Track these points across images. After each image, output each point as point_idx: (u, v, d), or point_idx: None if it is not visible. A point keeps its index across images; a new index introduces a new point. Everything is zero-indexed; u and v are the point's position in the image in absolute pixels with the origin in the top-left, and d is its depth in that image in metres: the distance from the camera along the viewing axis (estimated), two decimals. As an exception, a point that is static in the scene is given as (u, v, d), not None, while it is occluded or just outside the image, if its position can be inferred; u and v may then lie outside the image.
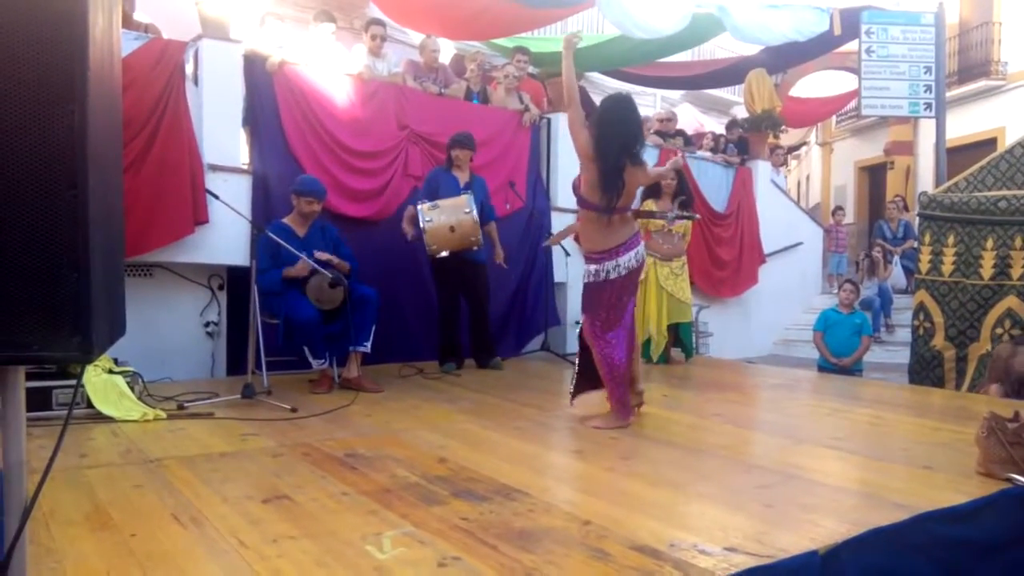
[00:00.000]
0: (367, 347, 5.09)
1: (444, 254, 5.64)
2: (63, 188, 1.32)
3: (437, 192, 5.80)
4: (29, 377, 1.58)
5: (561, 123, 7.69)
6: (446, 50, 9.49)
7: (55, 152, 1.31)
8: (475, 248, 5.71)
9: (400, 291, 6.31)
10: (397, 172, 6.44)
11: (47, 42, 1.30)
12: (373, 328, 5.09)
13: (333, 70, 6.25)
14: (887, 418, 4.57)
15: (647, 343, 6.59)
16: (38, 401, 3.89)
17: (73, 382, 4.02)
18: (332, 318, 4.97)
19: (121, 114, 1.77)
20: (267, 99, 5.88)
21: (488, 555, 2.25)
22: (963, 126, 13.52)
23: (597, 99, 8.91)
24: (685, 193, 6.72)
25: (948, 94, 11.12)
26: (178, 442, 3.64)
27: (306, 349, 4.91)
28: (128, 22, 5.73)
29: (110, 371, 4.29)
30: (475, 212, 5.55)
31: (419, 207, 5.61)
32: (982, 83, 14.16)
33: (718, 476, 3.19)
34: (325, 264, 4.92)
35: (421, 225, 5.51)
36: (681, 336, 6.84)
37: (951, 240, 6.18)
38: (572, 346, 7.16)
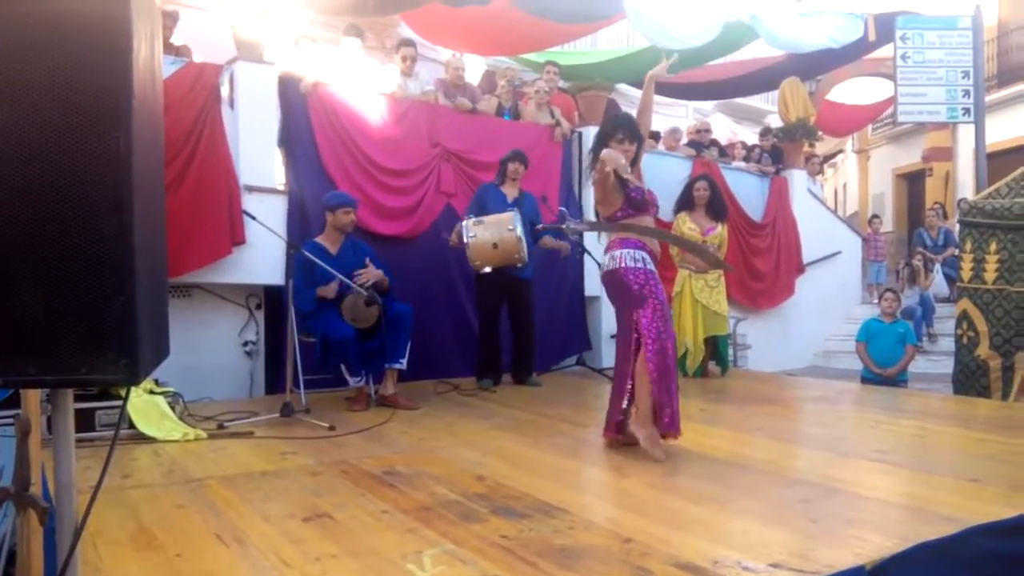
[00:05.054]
0: (403, 364, 5.11)
1: (487, 270, 5.65)
2: (109, 213, 1.35)
3: (484, 207, 5.83)
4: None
5: (592, 137, 7.69)
6: (477, 67, 9.57)
7: (101, 178, 1.35)
8: (519, 265, 5.71)
9: (434, 308, 6.34)
10: (430, 189, 6.48)
11: (93, 73, 1.34)
12: (408, 345, 5.12)
13: (366, 90, 6.32)
14: (932, 429, 4.48)
15: (683, 357, 6.54)
16: (82, 422, 3.93)
17: (115, 403, 4.08)
18: (368, 336, 5.00)
19: (163, 138, 1.81)
20: (301, 120, 5.96)
21: (529, 573, 2.24)
22: (1004, 130, 13.26)
23: (630, 112, 8.86)
24: (719, 203, 6.68)
25: (988, 98, 10.93)
26: (219, 461, 3.68)
27: (343, 367, 4.94)
28: (164, 46, 5.84)
29: (151, 392, 4.35)
30: (519, 230, 5.54)
31: (464, 222, 5.65)
32: (1023, 86, 13.89)
33: (761, 491, 3.14)
34: (362, 284, 4.97)
35: (465, 240, 5.54)
36: (718, 349, 6.78)
37: (993, 247, 6.05)
38: (607, 360, 7.13)
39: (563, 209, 6.76)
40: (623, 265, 3.80)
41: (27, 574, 1.99)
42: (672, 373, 3.81)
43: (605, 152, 3.70)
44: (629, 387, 3.82)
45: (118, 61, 1.36)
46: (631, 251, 3.82)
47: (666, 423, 3.74)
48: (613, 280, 3.88)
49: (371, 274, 5.06)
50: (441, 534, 2.57)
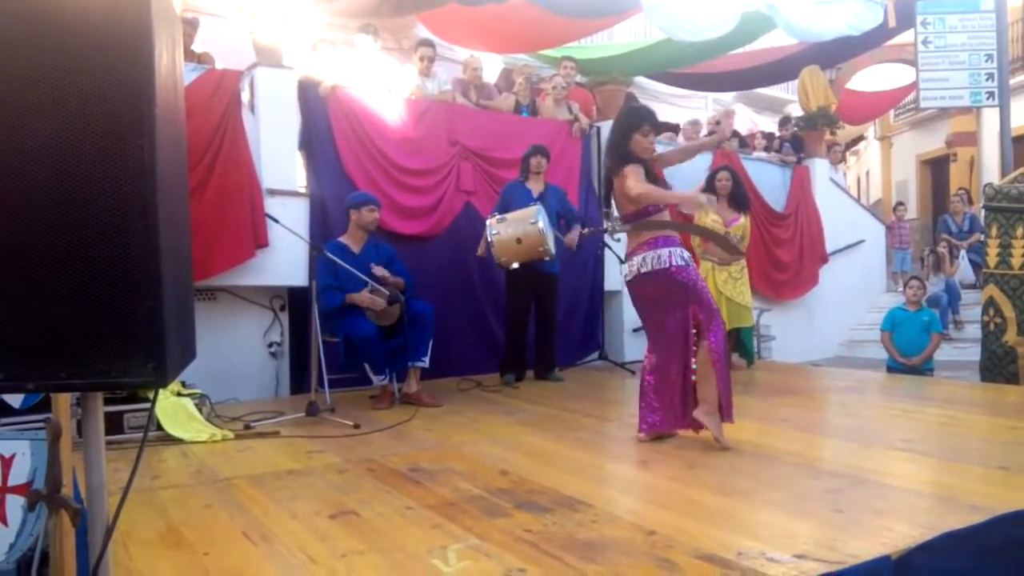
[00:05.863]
0: (425, 362, 5.15)
1: (515, 266, 5.66)
2: (135, 219, 1.37)
3: (510, 205, 5.86)
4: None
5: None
6: (494, 65, 9.57)
7: (126, 186, 1.37)
8: (546, 259, 5.72)
9: (456, 306, 6.36)
10: (449, 188, 6.50)
11: (115, 82, 1.36)
12: (431, 343, 5.15)
13: (384, 91, 6.34)
14: (959, 418, 4.44)
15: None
16: (111, 425, 3.99)
17: (143, 405, 4.13)
18: (390, 334, 5.04)
19: (186, 145, 1.84)
20: (321, 123, 6.00)
21: (553, 566, 2.25)
22: (1029, 114, 13.03)
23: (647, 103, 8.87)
24: (741, 194, 6.64)
25: (1012, 81, 10.76)
26: (246, 461, 3.73)
27: (367, 366, 4.98)
28: (185, 53, 5.91)
29: (178, 394, 4.41)
30: (542, 223, 5.55)
31: (488, 221, 5.67)
32: (1048, 69, 13.65)
33: (786, 482, 3.14)
34: (381, 281, 5.00)
35: (489, 239, 5.56)
36: (742, 341, 6.74)
37: (1020, 232, 5.97)
38: (629, 355, 7.14)
39: (606, 209, 6.77)
40: (674, 263, 3.82)
41: (60, 574, 2.03)
42: (728, 362, 3.95)
43: (704, 198, 3.96)
44: (693, 381, 3.85)
45: (140, 69, 1.38)
46: (678, 249, 3.87)
47: (728, 412, 3.79)
48: (664, 279, 3.82)
49: (386, 273, 5.10)
50: (466, 529, 2.60)
